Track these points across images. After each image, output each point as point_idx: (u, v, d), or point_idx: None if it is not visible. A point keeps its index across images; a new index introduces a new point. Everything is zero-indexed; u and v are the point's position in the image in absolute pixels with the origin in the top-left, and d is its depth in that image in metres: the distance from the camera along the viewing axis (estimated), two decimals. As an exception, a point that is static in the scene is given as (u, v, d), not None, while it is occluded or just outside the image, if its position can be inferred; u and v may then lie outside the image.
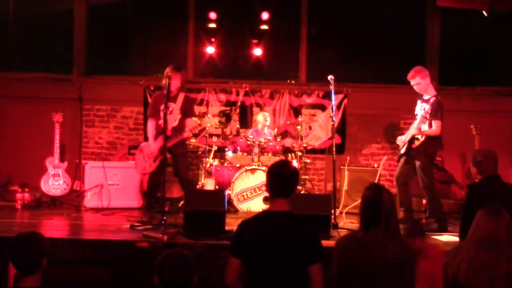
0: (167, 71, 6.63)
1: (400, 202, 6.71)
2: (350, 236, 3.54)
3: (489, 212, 3.36)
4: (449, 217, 7.65)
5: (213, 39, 9.88)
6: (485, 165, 4.66)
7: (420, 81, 6.65)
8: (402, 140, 6.85)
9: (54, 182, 7.94)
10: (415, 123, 6.68)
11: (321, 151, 9.19)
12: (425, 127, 6.60)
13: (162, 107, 6.50)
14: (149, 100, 8.82)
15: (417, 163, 6.67)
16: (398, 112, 9.37)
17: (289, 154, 8.22)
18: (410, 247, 3.39)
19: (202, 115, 8.59)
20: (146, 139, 7.74)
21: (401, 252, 3.30)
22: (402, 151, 6.79)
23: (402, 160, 6.85)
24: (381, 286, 3.25)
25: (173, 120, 6.61)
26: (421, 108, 6.67)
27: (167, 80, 6.52)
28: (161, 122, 6.57)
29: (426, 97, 6.72)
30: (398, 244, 3.32)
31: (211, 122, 7.26)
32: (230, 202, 7.23)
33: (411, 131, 6.69)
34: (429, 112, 6.55)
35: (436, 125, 6.51)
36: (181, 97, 6.70)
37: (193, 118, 7.23)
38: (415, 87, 6.72)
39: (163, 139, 6.30)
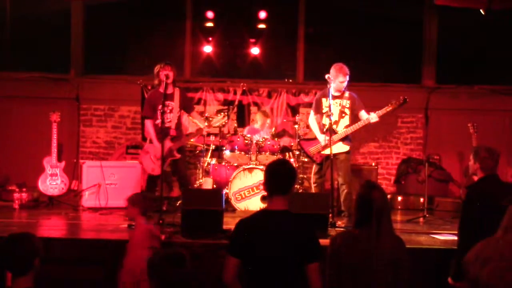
0: (157, 68, 6.62)
1: (348, 207, 6.61)
2: (345, 233, 3.56)
3: None
4: (447, 215, 7.69)
5: (210, 38, 9.89)
6: (489, 163, 4.65)
7: (347, 80, 6.65)
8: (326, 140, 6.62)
9: (52, 182, 7.92)
10: (326, 119, 6.60)
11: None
12: (345, 122, 6.65)
13: (160, 106, 6.50)
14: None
15: (347, 156, 6.70)
16: (395, 111, 9.37)
17: (287, 153, 8.21)
18: (403, 243, 3.41)
19: (200, 114, 8.59)
20: (144, 138, 7.76)
21: (395, 248, 3.32)
22: (345, 149, 6.66)
23: (326, 163, 6.68)
24: (377, 282, 3.26)
25: (175, 118, 6.62)
26: (338, 104, 6.68)
27: (160, 77, 6.53)
28: (158, 121, 6.57)
29: (336, 93, 6.69)
30: (392, 240, 3.34)
31: (220, 121, 7.25)
32: (228, 201, 7.22)
33: (356, 125, 6.60)
34: (348, 106, 6.63)
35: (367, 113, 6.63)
36: (177, 93, 6.69)
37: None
38: (342, 83, 6.61)
39: (169, 140, 6.31)
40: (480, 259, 3.14)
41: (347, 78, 6.61)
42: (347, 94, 6.72)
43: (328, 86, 6.61)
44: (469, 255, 3.21)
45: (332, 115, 6.48)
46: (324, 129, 6.67)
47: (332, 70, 6.66)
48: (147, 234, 4.34)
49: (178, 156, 6.56)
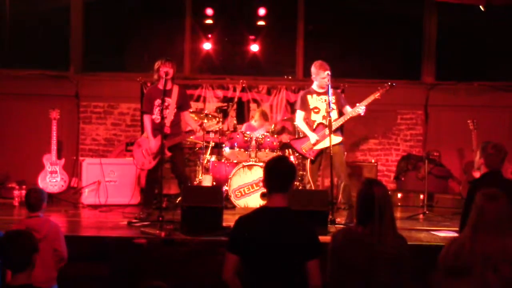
0: (158, 64, 6.59)
1: (347, 199, 6.60)
2: (346, 230, 3.54)
3: (489, 196, 3.36)
4: (447, 212, 7.69)
5: (210, 35, 9.88)
6: (494, 159, 4.65)
7: (329, 76, 6.61)
8: (315, 138, 6.67)
9: (52, 179, 7.93)
10: (314, 115, 6.68)
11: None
12: (334, 116, 6.61)
13: (157, 102, 6.48)
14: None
15: (340, 147, 6.68)
16: (395, 108, 9.40)
17: (287, 150, 8.21)
18: (406, 241, 3.40)
19: (199, 111, 8.59)
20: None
21: (398, 246, 3.30)
22: (338, 140, 6.64)
23: (319, 158, 6.74)
24: (379, 280, 3.25)
25: (170, 115, 6.58)
26: (323, 100, 6.69)
27: (160, 73, 6.51)
28: (155, 117, 6.55)
29: (320, 90, 6.73)
30: (394, 238, 3.32)
31: (214, 127, 7.23)
32: (227, 198, 7.23)
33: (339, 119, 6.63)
34: (333, 101, 6.60)
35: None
36: (175, 90, 6.66)
37: (191, 115, 7.23)
38: (324, 79, 6.60)
39: (162, 137, 6.26)
40: (449, 262, 3.21)
41: (328, 73, 6.58)
42: (331, 91, 6.70)
43: (328, 82, 6.60)
44: (441, 255, 3.29)
45: (332, 111, 6.48)
46: (314, 125, 6.72)
47: (313, 68, 6.73)
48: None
49: (168, 154, 6.51)
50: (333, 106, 6.60)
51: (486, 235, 3.22)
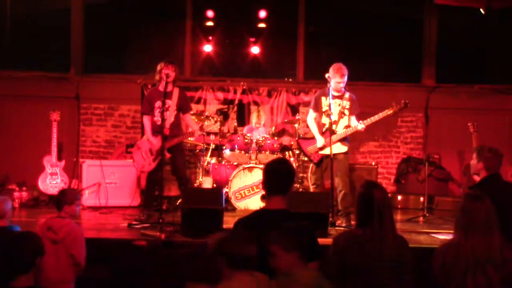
0: (160, 66, 6.60)
1: (345, 207, 6.57)
2: (347, 233, 3.54)
3: (475, 197, 3.41)
4: (447, 214, 7.69)
5: (210, 37, 9.88)
6: (493, 163, 4.66)
7: (344, 82, 6.60)
8: (322, 142, 6.63)
9: (52, 181, 7.93)
10: (325, 119, 6.61)
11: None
12: (344, 122, 6.62)
13: (157, 103, 6.49)
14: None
15: (345, 157, 6.65)
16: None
17: (287, 152, 8.22)
18: (407, 244, 3.40)
19: (200, 113, 8.59)
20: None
21: (399, 248, 3.30)
22: (344, 150, 6.61)
23: (324, 162, 6.68)
24: (381, 284, 3.25)
25: (170, 117, 6.59)
26: (337, 105, 6.63)
27: (161, 75, 6.51)
28: (156, 119, 6.56)
29: (336, 93, 6.64)
30: (395, 240, 3.32)
31: (212, 127, 7.23)
32: (227, 200, 7.22)
33: (350, 128, 6.58)
34: (347, 107, 6.60)
35: (356, 120, 6.64)
36: (175, 92, 6.67)
37: (192, 117, 7.22)
38: (341, 84, 6.56)
39: (162, 139, 6.28)
40: (447, 267, 3.23)
41: (344, 79, 6.54)
42: (347, 95, 6.68)
43: (328, 85, 6.59)
44: (436, 262, 3.29)
45: (332, 115, 6.45)
46: (324, 129, 6.65)
47: (330, 70, 6.61)
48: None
49: (167, 155, 6.52)
50: (335, 110, 6.58)
51: (476, 236, 3.28)
